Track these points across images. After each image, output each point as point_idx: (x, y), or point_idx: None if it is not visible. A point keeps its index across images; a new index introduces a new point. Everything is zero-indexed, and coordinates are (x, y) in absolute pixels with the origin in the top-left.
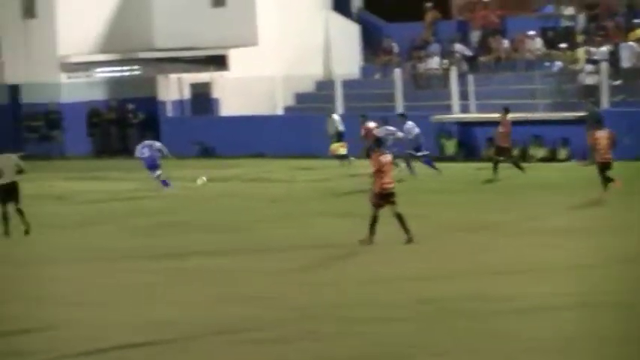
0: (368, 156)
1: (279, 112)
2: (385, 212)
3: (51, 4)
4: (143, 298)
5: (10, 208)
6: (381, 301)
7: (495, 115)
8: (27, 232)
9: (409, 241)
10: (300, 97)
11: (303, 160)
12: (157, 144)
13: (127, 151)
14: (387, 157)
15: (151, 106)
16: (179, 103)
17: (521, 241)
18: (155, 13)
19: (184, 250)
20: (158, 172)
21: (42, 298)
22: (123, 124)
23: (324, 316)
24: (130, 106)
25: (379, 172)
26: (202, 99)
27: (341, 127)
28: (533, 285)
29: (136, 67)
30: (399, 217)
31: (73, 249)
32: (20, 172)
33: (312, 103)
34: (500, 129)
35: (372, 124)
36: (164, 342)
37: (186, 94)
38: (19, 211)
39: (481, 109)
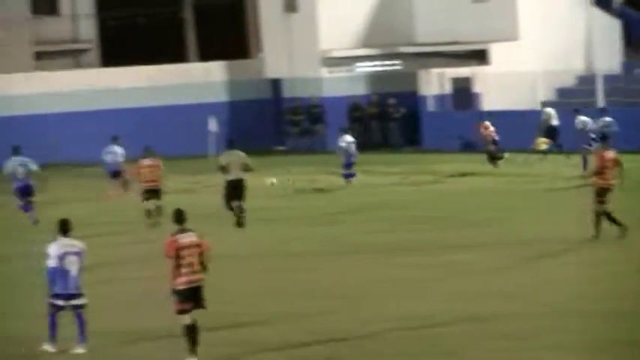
0: (489, 154)
1: (538, 106)
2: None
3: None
4: (394, 291)
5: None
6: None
7: None
8: (241, 225)
9: (622, 236)
10: (561, 92)
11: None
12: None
13: (388, 146)
14: (611, 154)
15: (411, 100)
16: (440, 98)
17: None
18: (416, 7)
19: (436, 244)
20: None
21: (305, 291)
22: (384, 118)
23: (566, 311)
24: (391, 101)
25: (602, 167)
26: (463, 93)
27: (555, 122)
28: None
29: (397, 61)
30: (608, 215)
31: (334, 242)
32: (247, 170)
33: (573, 99)
34: None
35: (488, 123)
36: (408, 332)
37: (447, 88)
38: (241, 209)
39: None
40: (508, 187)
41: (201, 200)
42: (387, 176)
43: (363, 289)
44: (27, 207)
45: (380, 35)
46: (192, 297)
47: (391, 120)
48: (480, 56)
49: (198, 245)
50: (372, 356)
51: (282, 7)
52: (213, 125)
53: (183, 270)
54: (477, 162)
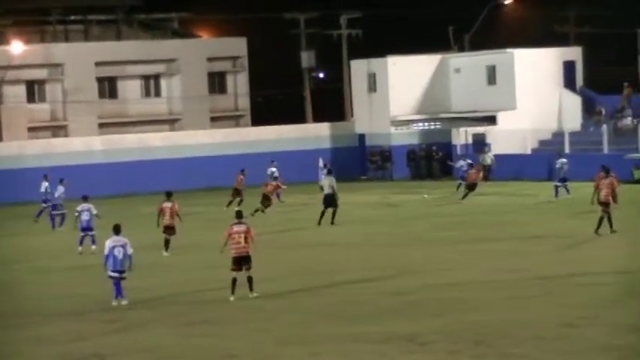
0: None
1: (528, 152)
2: None
3: (386, 84)
4: (450, 267)
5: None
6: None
7: None
8: (332, 223)
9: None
10: (542, 142)
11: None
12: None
13: (431, 177)
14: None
15: (447, 147)
16: (465, 146)
17: None
18: (452, 88)
19: (469, 238)
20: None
21: (385, 266)
22: (429, 159)
23: (546, 277)
24: (434, 148)
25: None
26: (479, 143)
27: (489, 162)
28: None
29: (438, 123)
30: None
31: (406, 237)
32: (334, 189)
33: (549, 147)
34: None
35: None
36: (456, 295)
37: (470, 139)
38: (334, 212)
39: None
40: (508, 201)
41: (314, 209)
42: (431, 195)
43: (425, 265)
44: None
45: (428, 106)
46: (239, 262)
47: (434, 160)
48: (491, 120)
49: (245, 231)
50: (436, 303)
51: (366, 89)
52: (321, 163)
53: (235, 246)
54: (487, 187)
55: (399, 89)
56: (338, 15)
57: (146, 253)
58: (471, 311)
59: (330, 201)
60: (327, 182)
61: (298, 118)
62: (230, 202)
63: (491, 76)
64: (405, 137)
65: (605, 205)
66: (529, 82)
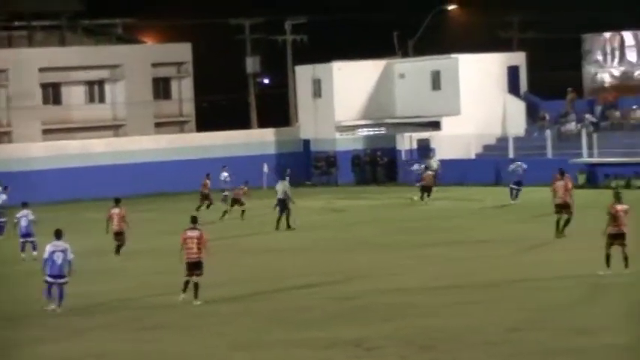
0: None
1: (472, 157)
2: None
3: (331, 89)
4: (398, 272)
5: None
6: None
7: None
8: (289, 227)
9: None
10: (487, 147)
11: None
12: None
13: (376, 182)
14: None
15: (391, 153)
16: (409, 151)
17: None
18: (397, 94)
19: (420, 243)
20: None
21: (331, 271)
22: (374, 164)
23: (492, 283)
24: (379, 153)
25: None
26: (424, 148)
27: (435, 167)
28: None
29: (383, 128)
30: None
31: (355, 242)
32: (287, 193)
33: (494, 152)
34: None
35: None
36: (406, 299)
37: (414, 145)
38: (288, 215)
39: (601, 155)
40: (454, 206)
41: (267, 215)
42: (376, 201)
43: (372, 270)
44: None
45: (373, 111)
46: (191, 268)
47: (378, 165)
48: (435, 125)
49: (197, 237)
50: (375, 308)
51: (311, 94)
52: (266, 168)
53: (187, 251)
54: (434, 192)
55: (344, 95)
56: (283, 21)
57: (92, 258)
58: (420, 316)
59: (284, 204)
60: (280, 187)
61: (243, 123)
62: (199, 207)
63: (436, 81)
64: (349, 143)
65: (563, 207)
66: (473, 87)
